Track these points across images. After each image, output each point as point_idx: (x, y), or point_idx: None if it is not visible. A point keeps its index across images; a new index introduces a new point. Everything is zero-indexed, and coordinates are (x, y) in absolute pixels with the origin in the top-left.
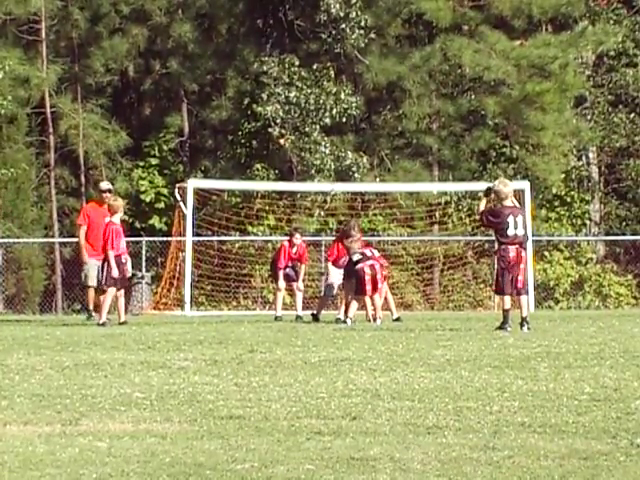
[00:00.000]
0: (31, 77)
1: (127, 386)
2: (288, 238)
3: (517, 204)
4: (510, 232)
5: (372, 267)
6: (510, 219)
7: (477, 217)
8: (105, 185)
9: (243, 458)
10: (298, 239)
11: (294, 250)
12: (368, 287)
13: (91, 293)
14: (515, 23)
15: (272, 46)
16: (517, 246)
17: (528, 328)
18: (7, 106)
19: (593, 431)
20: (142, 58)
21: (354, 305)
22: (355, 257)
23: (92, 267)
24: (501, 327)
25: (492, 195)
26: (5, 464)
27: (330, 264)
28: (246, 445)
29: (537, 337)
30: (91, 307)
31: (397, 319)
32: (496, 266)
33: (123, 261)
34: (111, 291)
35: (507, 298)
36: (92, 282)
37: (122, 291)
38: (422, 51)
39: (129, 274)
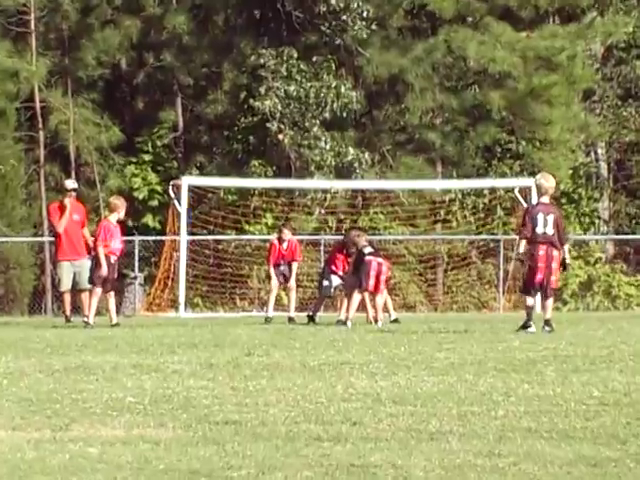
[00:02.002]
0: (20, 70)
1: (119, 390)
2: (277, 235)
3: (552, 202)
4: (539, 230)
5: (380, 265)
6: (540, 216)
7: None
8: (71, 184)
9: (239, 465)
10: (287, 234)
11: (285, 246)
12: (371, 282)
13: (67, 298)
14: (521, 14)
15: (270, 38)
16: (547, 245)
17: (550, 330)
18: None
19: (602, 437)
20: (135, 51)
21: (354, 304)
22: (366, 250)
23: (64, 271)
24: (524, 327)
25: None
26: None
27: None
28: (243, 451)
29: (544, 339)
30: (68, 312)
31: (395, 320)
32: (525, 265)
33: (112, 262)
34: (97, 291)
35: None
36: (65, 287)
37: (112, 292)
38: (425, 43)
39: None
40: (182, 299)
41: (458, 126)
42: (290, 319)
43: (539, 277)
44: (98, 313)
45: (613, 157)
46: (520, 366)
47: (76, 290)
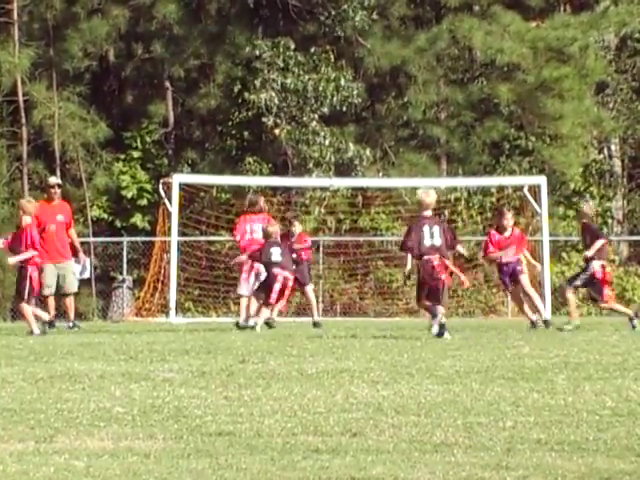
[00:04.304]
0: (2, 62)
1: (107, 400)
2: (286, 229)
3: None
4: (427, 242)
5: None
6: (426, 229)
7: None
8: (54, 180)
9: (233, 478)
10: (298, 227)
11: (293, 240)
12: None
13: (50, 302)
14: (531, 2)
15: (265, 28)
16: (435, 256)
17: (440, 334)
18: None
19: (615, 449)
20: (123, 41)
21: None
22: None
23: (47, 274)
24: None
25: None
26: None
27: None
28: (237, 464)
29: (554, 346)
30: (52, 317)
31: (316, 324)
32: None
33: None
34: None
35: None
36: (48, 291)
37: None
38: (428, 33)
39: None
40: (173, 303)
41: (464, 121)
42: (315, 324)
43: (429, 287)
44: (80, 317)
45: (627, 154)
46: (529, 374)
47: (60, 294)
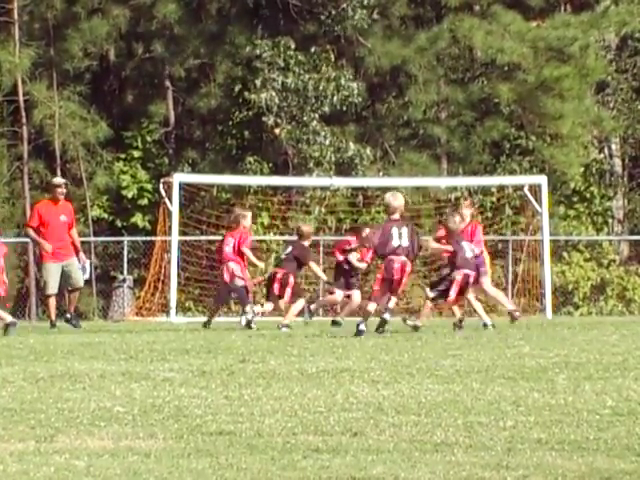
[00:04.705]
0: (2, 62)
1: (107, 399)
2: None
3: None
4: (395, 243)
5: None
6: (394, 230)
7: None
8: (60, 180)
9: (234, 478)
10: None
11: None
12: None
13: (52, 302)
14: (531, 2)
15: (265, 27)
16: (403, 256)
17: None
18: None
19: (616, 448)
20: (124, 41)
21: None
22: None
23: (51, 273)
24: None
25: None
26: None
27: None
28: (237, 464)
29: (555, 346)
30: (53, 317)
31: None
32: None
33: None
34: None
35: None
36: (52, 290)
37: None
38: (429, 32)
39: None
40: (173, 303)
41: (464, 120)
42: (334, 322)
43: (393, 286)
44: (80, 317)
45: (628, 153)
46: (530, 374)
47: (68, 290)
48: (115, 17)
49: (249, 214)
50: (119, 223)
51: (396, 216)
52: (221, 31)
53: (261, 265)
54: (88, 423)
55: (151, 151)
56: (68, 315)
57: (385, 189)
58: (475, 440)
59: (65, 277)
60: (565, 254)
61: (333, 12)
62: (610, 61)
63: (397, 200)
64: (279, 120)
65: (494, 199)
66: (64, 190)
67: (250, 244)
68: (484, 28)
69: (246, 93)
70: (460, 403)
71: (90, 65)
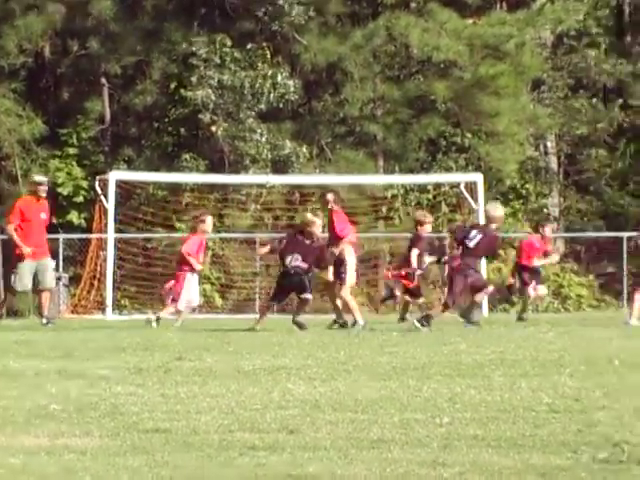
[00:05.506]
0: None
1: (43, 397)
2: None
3: None
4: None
5: None
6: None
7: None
8: (41, 177)
9: (170, 475)
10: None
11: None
12: None
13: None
14: None
15: (202, 24)
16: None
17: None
18: None
19: (552, 445)
20: (59, 38)
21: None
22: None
23: (25, 271)
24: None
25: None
26: None
27: None
28: (173, 461)
29: (491, 343)
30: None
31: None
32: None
33: None
34: None
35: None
36: (22, 287)
37: None
38: (365, 29)
39: None
40: (109, 300)
41: (400, 118)
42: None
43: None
44: (16, 315)
45: (563, 150)
46: (466, 370)
47: (37, 290)
48: (50, 14)
49: (208, 218)
50: (55, 220)
51: (493, 226)
52: (157, 28)
53: (199, 267)
54: (24, 421)
55: (87, 148)
56: (44, 320)
57: (321, 187)
58: (411, 437)
59: (37, 276)
60: (501, 251)
61: (269, 9)
62: (546, 59)
63: (497, 211)
64: (215, 117)
65: (430, 196)
66: (46, 188)
67: (198, 247)
68: (420, 25)
69: (182, 90)
70: (396, 400)
71: (25, 62)
